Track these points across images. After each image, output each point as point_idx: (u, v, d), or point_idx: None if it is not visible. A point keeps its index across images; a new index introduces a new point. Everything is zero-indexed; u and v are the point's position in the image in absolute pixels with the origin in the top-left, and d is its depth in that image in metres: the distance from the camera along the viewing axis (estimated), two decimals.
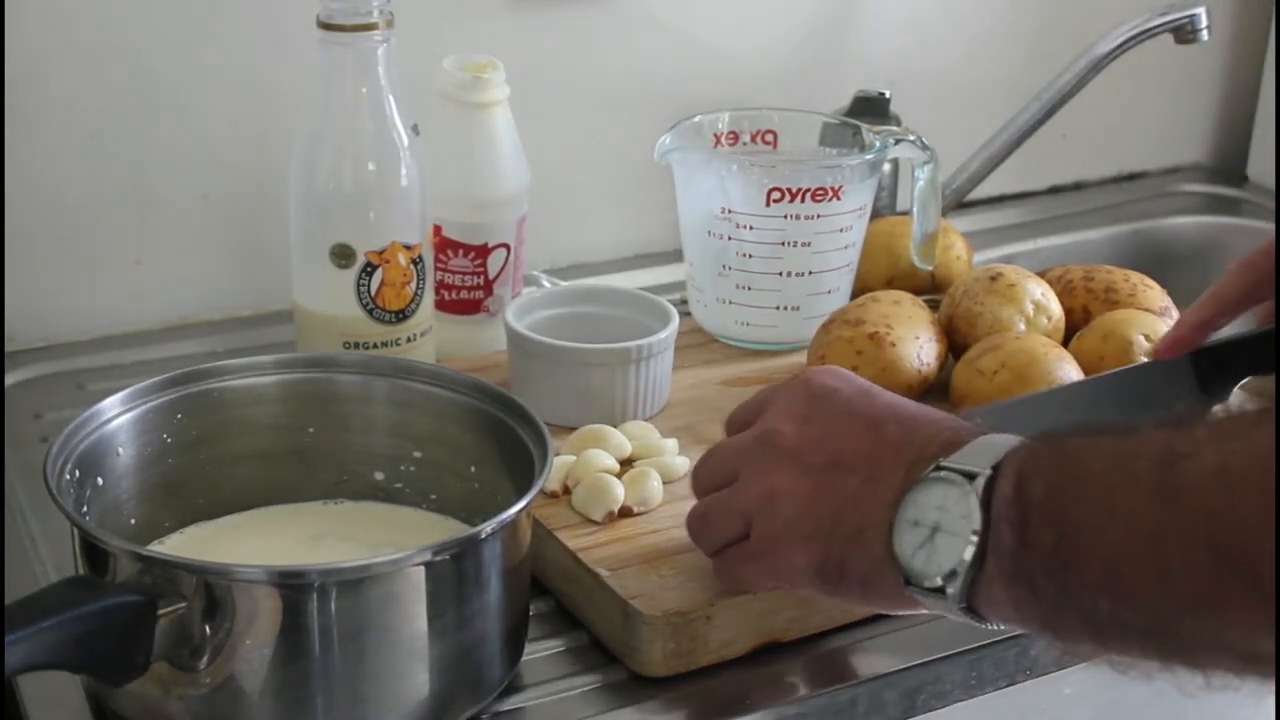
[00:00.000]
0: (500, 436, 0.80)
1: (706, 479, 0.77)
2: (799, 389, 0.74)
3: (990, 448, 0.63)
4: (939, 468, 0.64)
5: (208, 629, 0.67)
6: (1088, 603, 0.58)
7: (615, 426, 0.91)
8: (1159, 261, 1.39)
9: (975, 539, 0.61)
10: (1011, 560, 0.61)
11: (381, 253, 0.98)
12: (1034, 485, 0.60)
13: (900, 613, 0.72)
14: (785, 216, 1.02)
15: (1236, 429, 0.56)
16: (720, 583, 0.77)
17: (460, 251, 1.06)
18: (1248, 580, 0.52)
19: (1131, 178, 1.54)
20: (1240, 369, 0.80)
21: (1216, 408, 0.60)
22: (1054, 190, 1.50)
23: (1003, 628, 0.65)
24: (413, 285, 0.99)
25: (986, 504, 0.61)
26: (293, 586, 0.67)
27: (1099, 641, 0.60)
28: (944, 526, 0.63)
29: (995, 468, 0.62)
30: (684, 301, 1.11)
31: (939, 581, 0.63)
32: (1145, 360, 0.89)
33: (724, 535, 0.75)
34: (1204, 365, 0.81)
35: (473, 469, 0.82)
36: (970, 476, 0.62)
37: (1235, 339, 0.79)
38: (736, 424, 0.77)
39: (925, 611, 0.66)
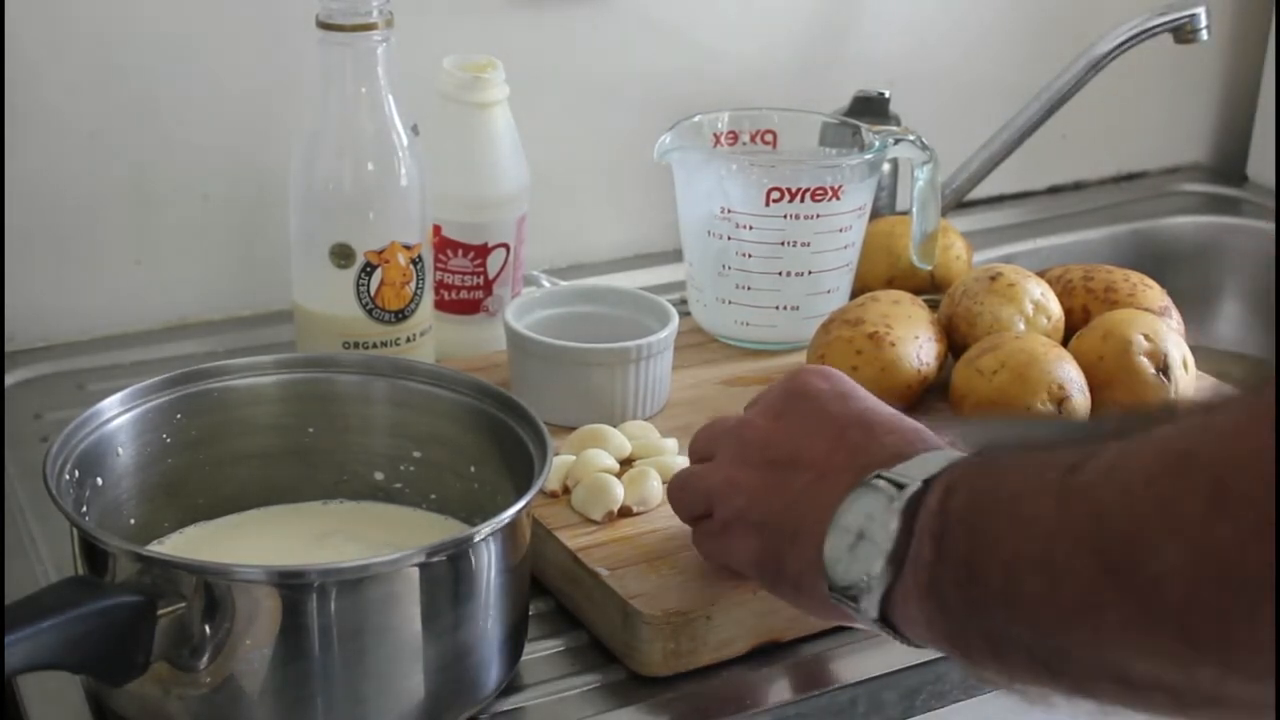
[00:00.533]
0: (500, 436, 0.80)
1: (694, 451, 0.79)
2: (783, 385, 0.76)
3: (933, 461, 0.63)
4: (877, 476, 0.63)
5: (207, 629, 0.67)
6: (987, 616, 0.58)
7: (615, 426, 0.91)
8: (1159, 261, 1.39)
9: (889, 549, 0.61)
10: (928, 573, 0.60)
11: (381, 253, 0.98)
12: (956, 496, 0.60)
13: (833, 622, 0.72)
14: (785, 216, 1.02)
15: (1136, 425, 0.54)
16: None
17: (460, 251, 1.06)
18: (1124, 583, 0.50)
19: (1131, 178, 1.54)
20: None
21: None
22: (1054, 190, 1.50)
23: (920, 645, 0.64)
24: (412, 285, 1.00)
25: (910, 515, 0.61)
26: (292, 586, 0.67)
27: (1000, 662, 0.59)
28: (868, 535, 0.63)
29: (928, 480, 0.61)
30: (684, 301, 1.11)
31: (855, 589, 0.63)
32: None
33: (690, 510, 0.77)
34: None
35: (472, 469, 0.83)
36: (900, 486, 0.62)
37: None
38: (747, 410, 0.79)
39: (859, 625, 0.66)
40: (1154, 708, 0.54)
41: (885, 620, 0.63)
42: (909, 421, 0.70)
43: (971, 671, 0.62)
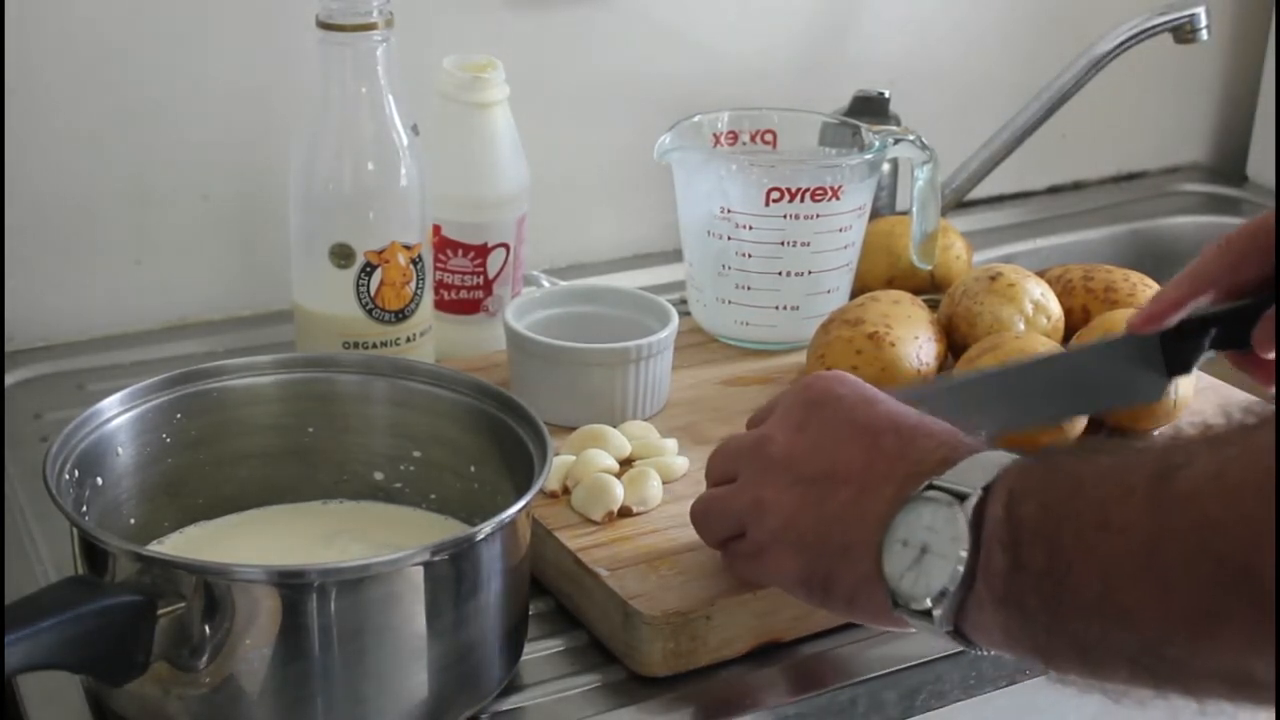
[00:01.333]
0: (500, 436, 0.80)
1: (713, 473, 0.77)
2: (799, 394, 0.74)
3: (984, 465, 0.62)
4: (930, 486, 0.62)
5: (207, 629, 0.67)
6: (1080, 626, 0.57)
7: (615, 426, 0.91)
8: (1158, 261, 1.39)
9: (964, 561, 0.60)
10: (1003, 583, 0.59)
11: (381, 252, 0.98)
12: (1025, 504, 0.59)
13: (887, 629, 0.71)
14: (785, 216, 1.02)
15: (1232, 435, 0.54)
16: (726, 570, 0.78)
17: (460, 251, 1.06)
18: (1246, 591, 0.51)
19: (1131, 177, 1.54)
20: (1205, 343, 0.81)
21: (1205, 418, 0.59)
22: (1053, 190, 1.50)
23: (991, 652, 0.64)
24: (412, 285, 0.99)
25: (977, 525, 0.60)
26: (292, 586, 0.67)
27: (1090, 667, 0.58)
28: (933, 548, 0.62)
29: (987, 488, 0.60)
30: (684, 301, 1.11)
31: (927, 604, 0.62)
32: (1115, 335, 0.91)
33: (720, 533, 0.76)
34: (1171, 340, 0.82)
35: (472, 469, 0.83)
36: (961, 497, 0.61)
37: (1203, 314, 0.81)
38: (755, 422, 0.77)
39: (913, 630, 0.66)
40: (1268, 702, 0.54)
41: (957, 631, 0.63)
42: (940, 423, 0.68)
43: (1056, 675, 0.61)
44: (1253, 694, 0.54)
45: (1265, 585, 0.50)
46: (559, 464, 0.86)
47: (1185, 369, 0.83)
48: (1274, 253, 0.79)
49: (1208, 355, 0.82)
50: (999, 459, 0.62)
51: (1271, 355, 0.80)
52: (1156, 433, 0.92)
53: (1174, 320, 0.82)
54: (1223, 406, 0.59)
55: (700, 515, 0.77)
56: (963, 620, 0.62)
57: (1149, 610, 0.54)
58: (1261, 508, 0.50)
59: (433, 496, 0.85)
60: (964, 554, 0.60)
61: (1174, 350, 0.82)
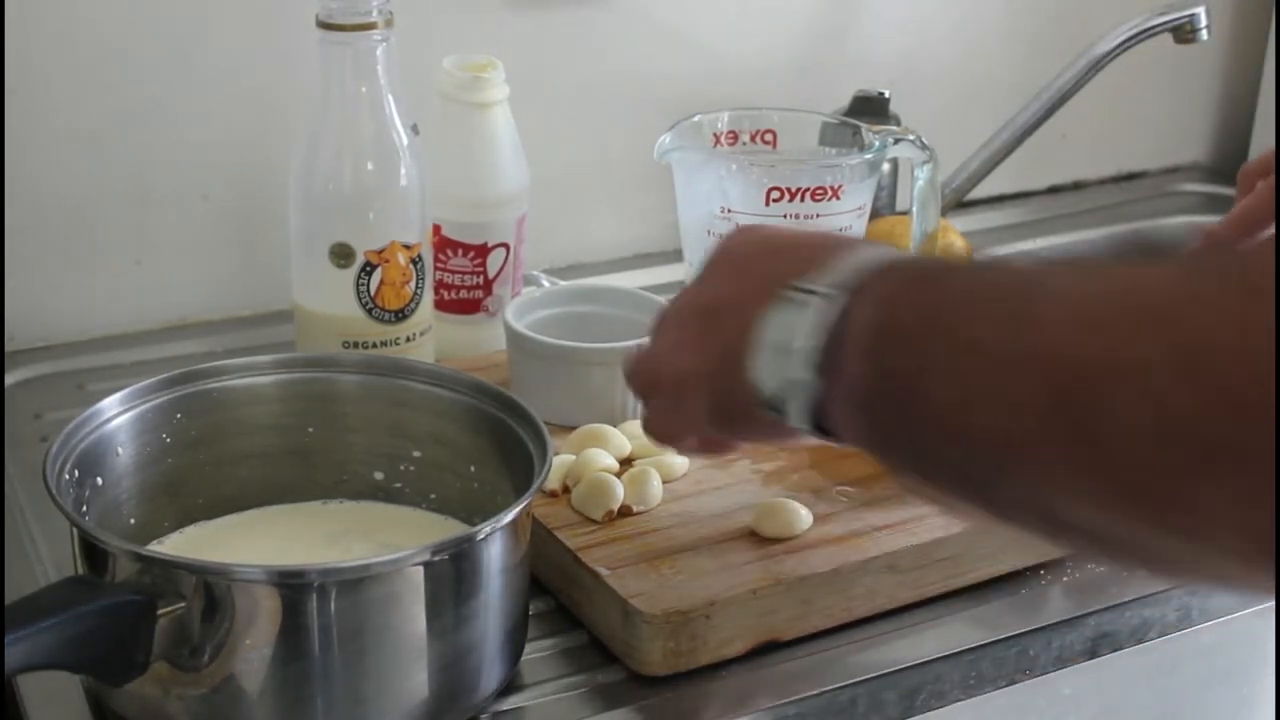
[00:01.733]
0: (500, 436, 0.80)
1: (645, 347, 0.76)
2: (709, 251, 0.73)
3: (850, 269, 0.61)
4: (793, 288, 0.62)
5: (207, 629, 0.67)
6: (921, 435, 0.56)
7: (615, 426, 0.91)
8: None
9: (814, 358, 0.60)
10: (862, 385, 0.59)
11: (381, 252, 0.98)
12: (887, 310, 0.58)
13: (784, 444, 0.70)
14: (785, 216, 1.02)
15: (1101, 266, 0.53)
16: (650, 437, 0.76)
17: (460, 251, 1.06)
18: (1079, 434, 0.50)
19: (1131, 177, 1.54)
20: None
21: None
22: (1053, 190, 1.50)
23: (854, 448, 0.63)
24: (412, 285, 1.00)
25: (839, 326, 0.59)
26: (292, 586, 0.67)
27: (924, 477, 0.59)
28: (788, 346, 0.61)
29: (853, 290, 0.60)
30: None
31: (779, 398, 0.62)
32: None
33: (646, 390, 0.74)
34: None
35: (472, 469, 0.83)
36: (821, 295, 0.60)
37: None
38: None
39: (818, 441, 0.64)
40: (1070, 545, 0.56)
41: (819, 426, 0.62)
42: (833, 237, 0.67)
43: (895, 479, 0.62)
44: (1055, 532, 0.55)
45: (1098, 429, 0.49)
46: (559, 463, 0.86)
47: None
48: None
49: None
50: (869, 261, 0.61)
51: None
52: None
53: None
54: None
55: (629, 377, 0.75)
56: (823, 417, 0.61)
57: (986, 431, 0.53)
58: (1113, 352, 0.49)
59: (433, 496, 0.85)
60: (815, 350, 0.60)
61: None
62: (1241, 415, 0.45)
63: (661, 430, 0.75)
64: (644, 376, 0.74)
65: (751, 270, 0.67)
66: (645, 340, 0.74)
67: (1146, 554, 0.53)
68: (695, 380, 0.69)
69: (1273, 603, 0.89)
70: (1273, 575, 0.46)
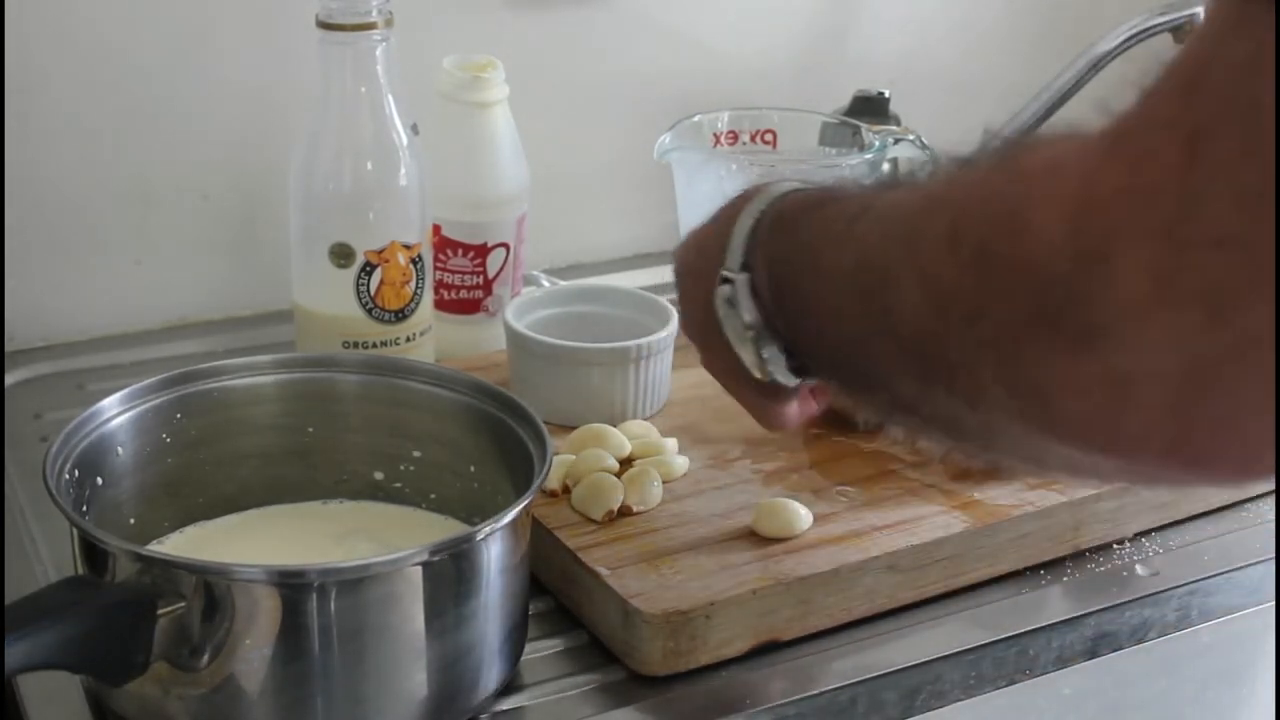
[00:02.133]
0: (500, 436, 0.80)
1: None
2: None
3: (742, 238, 0.70)
4: (723, 280, 0.70)
5: (207, 629, 0.67)
6: (805, 345, 0.68)
7: (615, 426, 0.91)
8: None
9: (756, 319, 0.69)
10: (784, 328, 0.68)
11: (381, 252, 0.98)
12: (773, 265, 0.67)
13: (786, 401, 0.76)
14: None
15: (919, 180, 0.61)
16: None
17: (460, 251, 1.06)
18: (878, 320, 0.57)
19: None
20: None
21: None
22: None
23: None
24: (412, 285, 1.00)
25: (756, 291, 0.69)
26: (292, 586, 0.67)
27: (824, 377, 0.70)
28: (740, 315, 0.70)
29: (750, 263, 0.69)
30: None
31: (765, 366, 0.70)
32: None
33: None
34: None
35: (472, 468, 0.83)
36: (735, 280, 0.69)
37: None
38: None
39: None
40: (920, 431, 0.68)
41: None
42: (726, 210, 0.74)
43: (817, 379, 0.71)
44: (908, 418, 0.65)
45: (887, 309, 0.56)
46: (559, 463, 0.86)
47: None
48: None
49: None
50: (748, 221, 0.70)
51: None
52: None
53: None
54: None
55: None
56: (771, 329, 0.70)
57: (833, 340, 0.64)
58: (897, 238, 0.57)
59: (433, 496, 0.85)
60: (751, 316, 0.69)
61: None
62: (990, 273, 0.50)
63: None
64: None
65: (703, 247, 0.75)
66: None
67: (962, 430, 0.60)
68: (697, 343, 0.77)
69: (1273, 603, 0.89)
70: (1061, 430, 0.50)
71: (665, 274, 1.22)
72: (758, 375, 0.71)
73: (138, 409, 0.80)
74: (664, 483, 0.87)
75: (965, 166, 0.57)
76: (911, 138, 1.06)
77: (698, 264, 0.75)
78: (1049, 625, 0.83)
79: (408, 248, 0.98)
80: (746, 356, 0.71)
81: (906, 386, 0.58)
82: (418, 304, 1.00)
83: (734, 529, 0.83)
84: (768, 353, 0.70)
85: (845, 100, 1.22)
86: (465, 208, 1.05)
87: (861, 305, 0.59)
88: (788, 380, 0.70)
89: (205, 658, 0.68)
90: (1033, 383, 0.49)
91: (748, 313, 0.69)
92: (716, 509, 0.85)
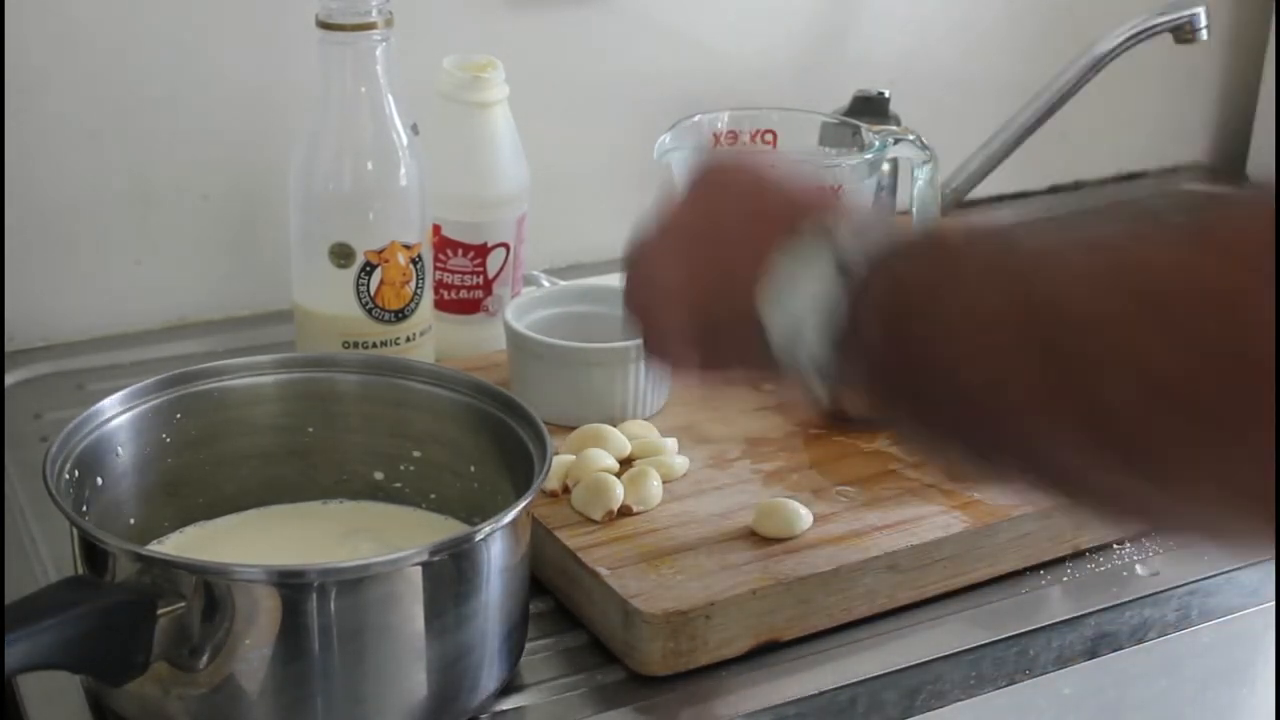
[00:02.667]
0: (500, 436, 0.80)
1: (627, 265, 0.76)
2: (691, 173, 0.74)
3: (869, 231, 0.62)
4: (809, 237, 0.63)
5: (207, 629, 0.67)
6: (922, 389, 0.58)
7: (615, 426, 0.91)
8: None
9: (835, 306, 0.61)
10: (871, 342, 0.60)
11: (381, 252, 0.98)
12: (901, 282, 0.59)
13: (761, 377, 0.70)
14: None
15: (1081, 220, 0.55)
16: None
17: (460, 251, 1.06)
18: (1073, 400, 0.51)
19: (1131, 177, 1.54)
20: None
21: None
22: (1054, 190, 1.50)
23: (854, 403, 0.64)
24: (412, 285, 0.99)
25: (844, 272, 0.61)
26: (292, 586, 0.67)
27: (924, 425, 0.60)
28: (808, 295, 0.62)
29: (867, 255, 0.61)
30: None
31: (791, 343, 0.63)
32: None
33: (633, 308, 0.74)
34: None
35: (472, 469, 0.83)
36: (836, 254, 0.61)
37: None
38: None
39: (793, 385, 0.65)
40: (1064, 497, 0.57)
41: (828, 373, 0.63)
42: (825, 189, 0.69)
43: (896, 428, 0.63)
44: (1048, 485, 0.56)
45: (1091, 396, 0.50)
46: (559, 463, 0.86)
47: None
48: None
49: None
50: (880, 227, 0.62)
51: None
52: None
53: None
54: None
55: (628, 300, 0.74)
56: (826, 363, 0.62)
57: (985, 389, 0.55)
58: (1099, 315, 0.50)
59: (433, 496, 0.85)
60: (834, 298, 0.61)
61: None
62: (1210, 364, 0.46)
63: (655, 346, 0.74)
64: (637, 288, 0.73)
65: (765, 209, 0.67)
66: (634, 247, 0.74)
67: (1131, 507, 0.54)
68: (685, 297, 0.69)
69: (1273, 603, 0.89)
70: (1273, 525, 0.47)
71: None
72: (765, 336, 0.64)
73: (138, 409, 0.80)
74: (664, 483, 0.87)
75: (1140, 218, 0.53)
76: (911, 138, 1.06)
77: (758, 194, 0.68)
78: (1049, 625, 0.83)
79: (408, 248, 0.98)
80: (778, 318, 0.63)
81: (1072, 459, 0.52)
82: (418, 304, 1.00)
83: (734, 529, 0.83)
84: (810, 336, 0.62)
85: (845, 100, 1.22)
86: (465, 208, 1.05)
87: (1042, 373, 0.52)
88: (807, 366, 0.63)
89: (205, 658, 0.68)
90: (1253, 482, 0.46)
91: (830, 293, 0.61)
92: (716, 509, 0.85)
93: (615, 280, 1.19)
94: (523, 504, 0.72)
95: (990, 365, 0.54)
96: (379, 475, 0.85)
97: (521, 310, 0.98)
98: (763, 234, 0.65)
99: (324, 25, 0.95)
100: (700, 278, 0.69)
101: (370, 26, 0.95)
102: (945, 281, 0.58)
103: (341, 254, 0.98)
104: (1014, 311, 0.54)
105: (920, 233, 0.62)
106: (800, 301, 0.62)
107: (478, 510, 0.80)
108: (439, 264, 1.06)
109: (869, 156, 1.05)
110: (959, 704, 0.81)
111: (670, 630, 0.76)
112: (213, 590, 0.67)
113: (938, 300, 0.58)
